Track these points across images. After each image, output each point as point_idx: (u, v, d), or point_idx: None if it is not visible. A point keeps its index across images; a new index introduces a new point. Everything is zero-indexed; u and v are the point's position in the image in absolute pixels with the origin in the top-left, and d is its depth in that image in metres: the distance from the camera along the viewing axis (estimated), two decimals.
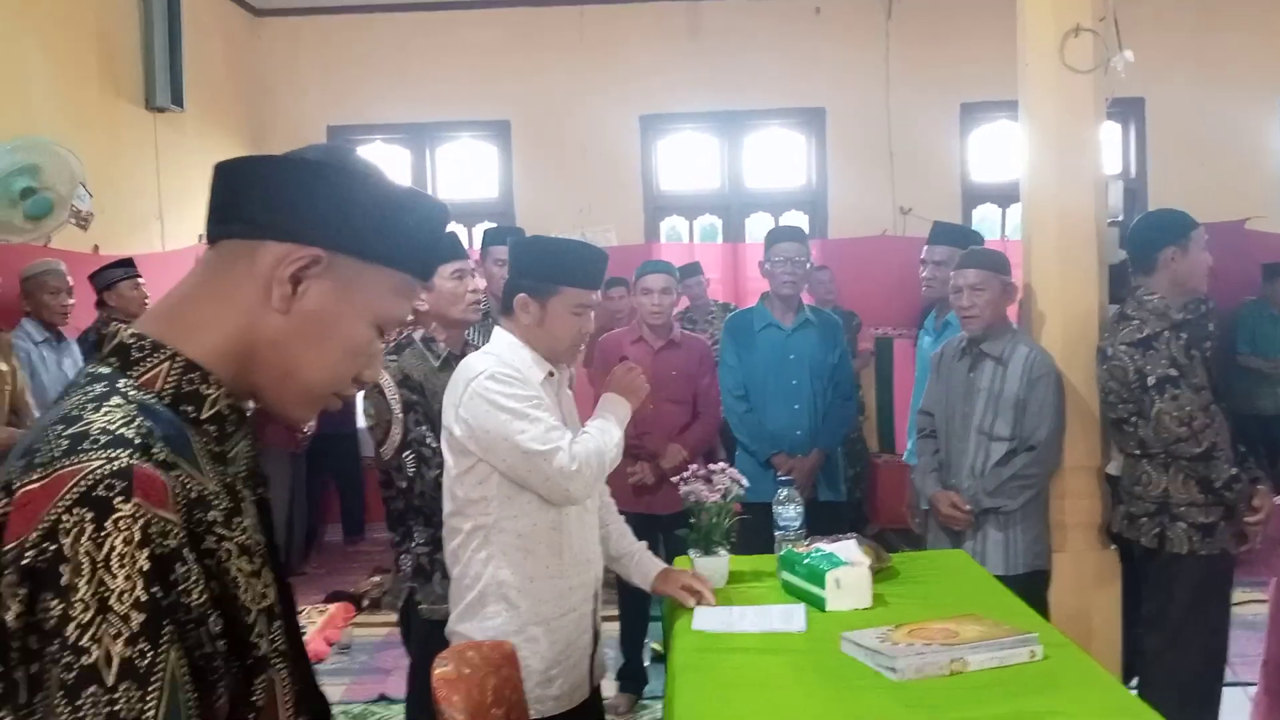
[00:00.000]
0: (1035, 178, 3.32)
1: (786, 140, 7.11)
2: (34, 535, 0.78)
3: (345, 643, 4.61)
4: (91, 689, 0.76)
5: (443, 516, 2.29)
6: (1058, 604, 3.08)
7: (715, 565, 2.53)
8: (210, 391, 0.93)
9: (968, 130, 6.91)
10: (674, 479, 2.70)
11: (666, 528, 3.52)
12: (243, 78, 6.69)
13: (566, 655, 2.23)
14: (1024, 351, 3.07)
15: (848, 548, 2.44)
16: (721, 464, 2.64)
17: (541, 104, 6.79)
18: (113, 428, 0.83)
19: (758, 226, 6.92)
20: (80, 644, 0.76)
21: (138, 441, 0.83)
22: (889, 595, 2.39)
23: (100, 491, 0.79)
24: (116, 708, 0.76)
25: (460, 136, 7.09)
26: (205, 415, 0.93)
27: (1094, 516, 3.20)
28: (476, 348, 2.45)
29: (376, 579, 5.25)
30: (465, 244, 3.58)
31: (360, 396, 2.72)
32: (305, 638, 1.06)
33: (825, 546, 2.45)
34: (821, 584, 2.31)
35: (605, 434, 2.24)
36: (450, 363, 2.59)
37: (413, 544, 2.71)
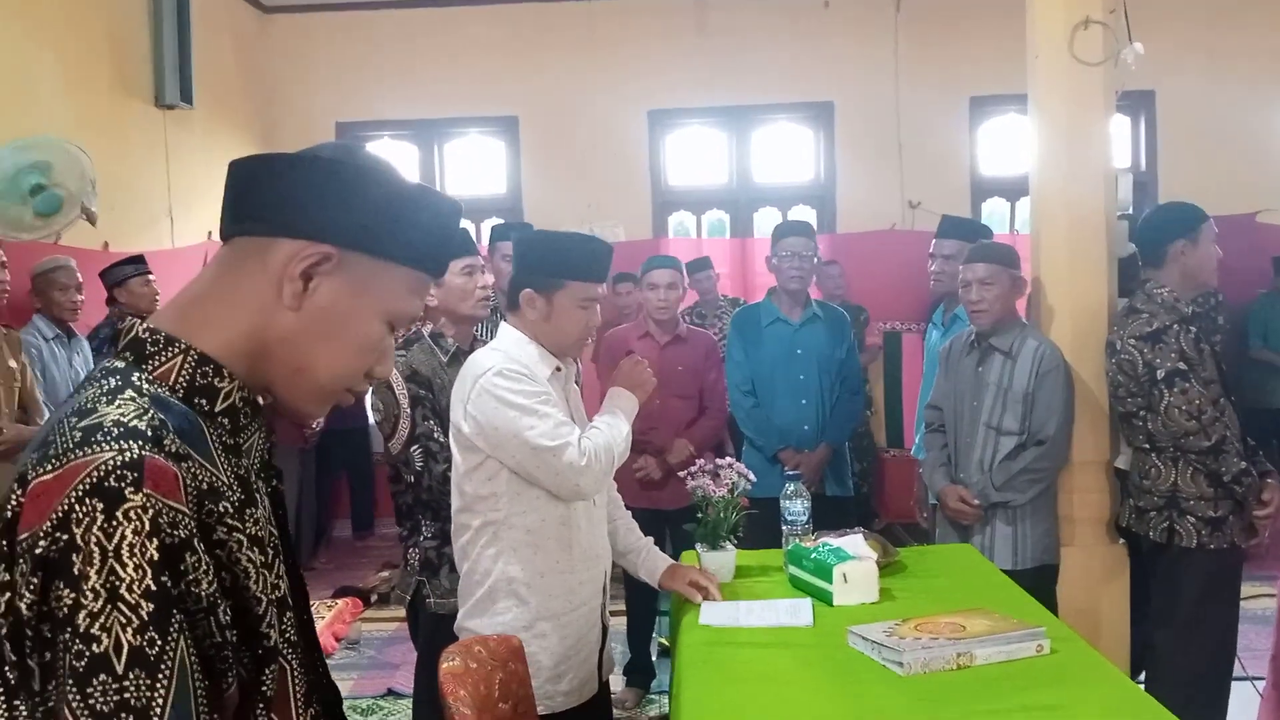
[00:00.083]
0: (1044, 171, 3.31)
1: (795, 135, 7.09)
2: (47, 525, 0.79)
3: (353, 638, 4.63)
4: (102, 676, 0.77)
5: (451, 513, 2.30)
6: (1066, 598, 3.07)
7: (722, 560, 2.53)
8: (224, 385, 0.94)
9: (977, 124, 6.88)
10: (681, 474, 2.71)
11: (673, 523, 3.52)
12: (252, 74, 6.71)
13: (576, 650, 2.23)
14: (1033, 345, 3.06)
15: (855, 542, 2.44)
16: (728, 459, 2.65)
17: (549, 100, 6.79)
18: (125, 420, 0.84)
19: (766, 221, 6.92)
20: (91, 632, 0.78)
21: (149, 433, 0.84)
22: (896, 590, 2.39)
23: (112, 482, 0.80)
24: (126, 695, 0.77)
25: (468, 133, 7.09)
26: (219, 408, 0.94)
27: (1103, 511, 3.19)
28: (485, 343, 2.45)
29: (385, 574, 5.27)
30: (475, 240, 3.58)
31: (369, 391, 2.72)
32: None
33: (832, 541, 2.45)
34: (829, 578, 2.31)
35: (613, 429, 2.24)
36: (459, 358, 2.60)
37: (421, 538, 2.72)
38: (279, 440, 1.05)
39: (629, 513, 2.53)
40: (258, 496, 0.95)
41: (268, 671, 0.92)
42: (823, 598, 2.32)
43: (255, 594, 0.91)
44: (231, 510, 0.90)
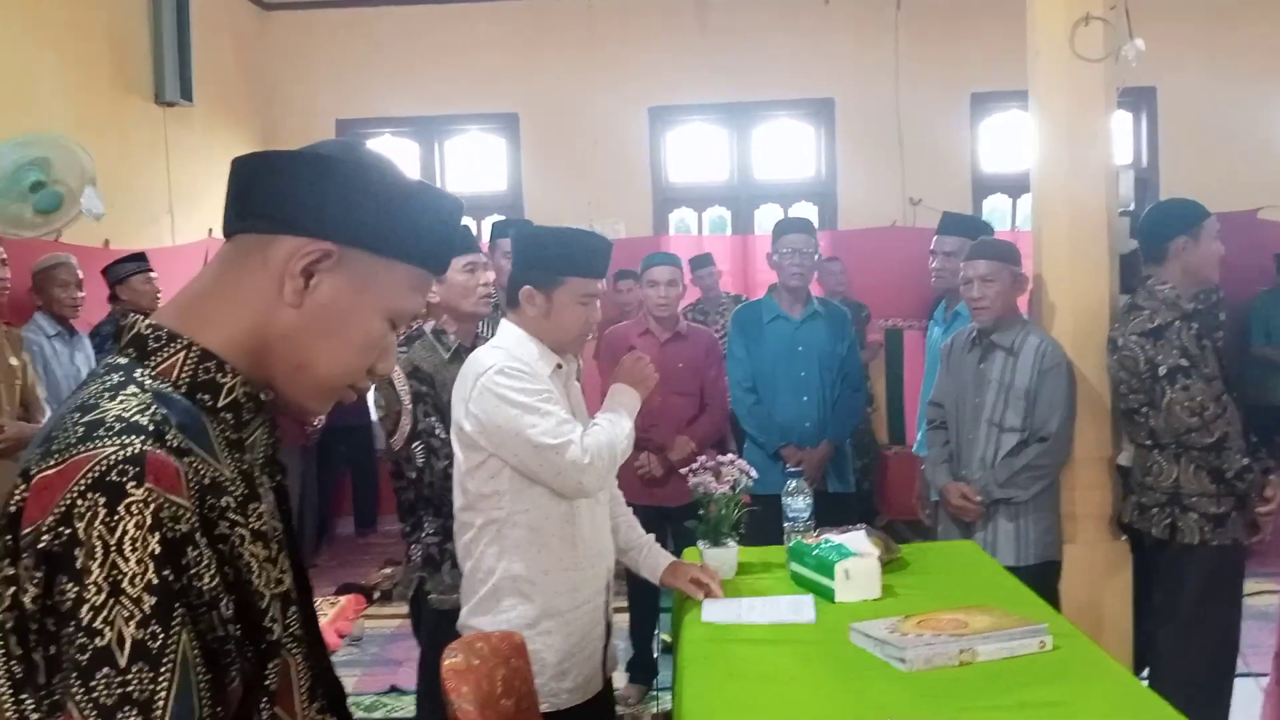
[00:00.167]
0: (1046, 168, 3.30)
1: (795, 131, 7.09)
2: (49, 519, 0.80)
3: (356, 634, 4.63)
4: (105, 670, 0.78)
5: (454, 511, 2.29)
6: (1068, 595, 3.07)
7: (724, 557, 2.53)
8: (226, 380, 0.94)
9: (978, 120, 6.88)
10: (682, 471, 2.71)
11: (675, 520, 3.52)
12: (252, 72, 6.71)
13: (581, 647, 2.23)
14: (1034, 342, 3.06)
15: (857, 539, 2.44)
16: (730, 455, 2.64)
17: (550, 97, 6.79)
18: (128, 415, 0.84)
19: (767, 218, 6.91)
20: (94, 626, 0.78)
21: (151, 428, 0.84)
22: (898, 586, 2.39)
23: (113, 477, 0.80)
24: (129, 688, 0.78)
25: (469, 130, 7.09)
26: (222, 403, 0.94)
27: (1105, 507, 3.19)
28: (487, 340, 2.45)
29: (387, 571, 5.27)
30: (477, 238, 3.58)
31: (372, 388, 2.72)
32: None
33: (834, 538, 2.45)
34: (830, 575, 2.31)
35: (616, 426, 2.23)
36: (460, 354, 2.60)
37: (423, 534, 2.72)
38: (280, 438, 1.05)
39: (630, 509, 2.53)
40: (261, 491, 0.95)
41: (271, 665, 0.92)
42: (825, 594, 2.32)
43: (258, 588, 0.91)
44: (234, 505, 0.90)
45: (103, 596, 0.78)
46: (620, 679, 3.78)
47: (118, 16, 5.23)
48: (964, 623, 1.98)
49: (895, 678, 1.86)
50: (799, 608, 2.26)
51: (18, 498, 0.83)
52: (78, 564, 0.79)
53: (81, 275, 4.09)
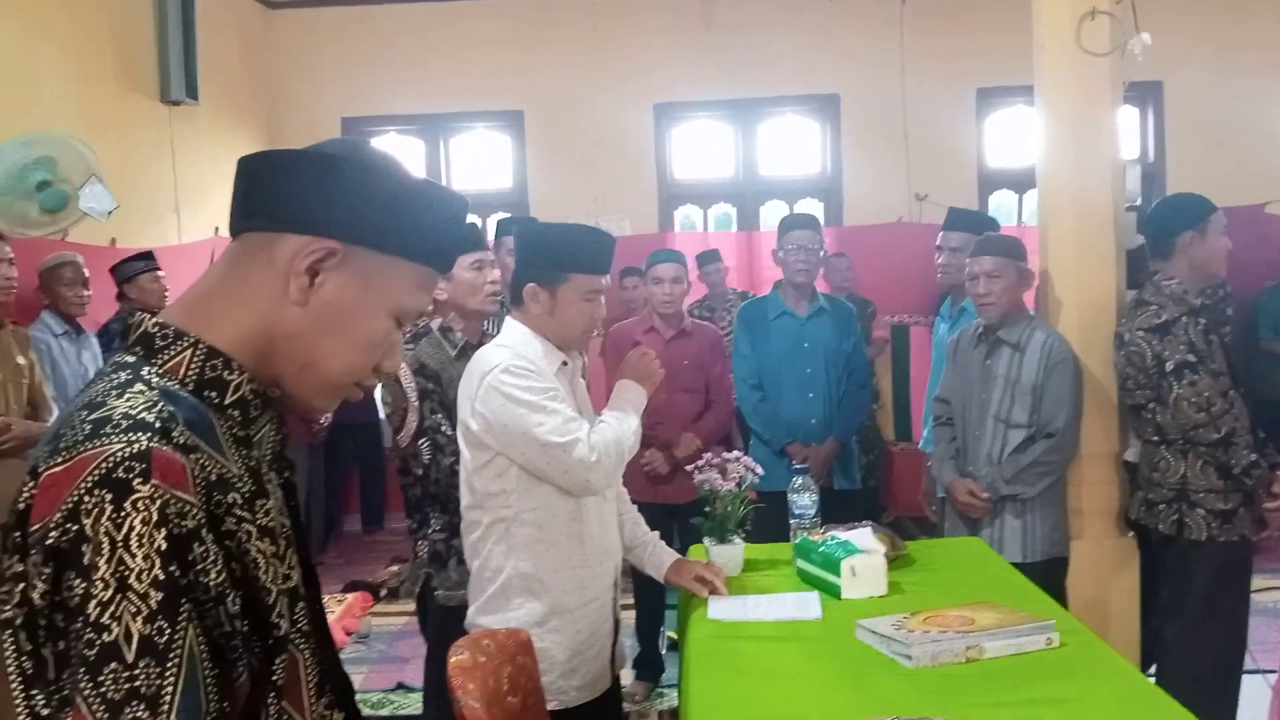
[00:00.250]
0: (1052, 163, 3.29)
1: (801, 127, 7.08)
2: (57, 516, 0.80)
3: (363, 632, 4.65)
4: (112, 665, 0.78)
5: (461, 509, 2.29)
6: (1075, 591, 3.07)
7: (730, 553, 2.53)
8: (233, 377, 0.95)
9: (984, 116, 6.86)
10: (688, 468, 2.70)
11: (681, 517, 3.53)
12: (257, 70, 6.72)
13: (589, 645, 2.23)
14: (1041, 338, 3.05)
15: (863, 535, 2.44)
16: (736, 452, 2.64)
17: (555, 94, 6.78)
18: (134, 413, 0.85)
19: (772, 214, 6.90)
20: (101, 621, 0.79)
21: (158, 425, 0.85)
22: (905, 583, 2.39)
23: (120, 473, 0.81)
24: (136, 684, 0.78)
25: (474, 127, 7.09)
26: (229, 400, 0.95)
27: (1112, 503, 3.18)
28: (493, 337, 2.45)
29: (394, 568, 5.28)
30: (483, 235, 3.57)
31: (379, 385, 2.73)
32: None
33: (840, 534, 2.45)
34: (837, 572, 2.31)
35: (622, 423, 2.23)
36: (467, 352, 2.60)
37: (429, 530, 2.73)
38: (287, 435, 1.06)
39: (635, 507, 2.53)
40: (269, 488, 0.96)
41: (278, 661, 0.93)
42: (831, 591, 2.32)
43: (265, 584, 0.91)
44: (241, 501, 0.90)
45: (110, 592, 0.79)
46: (627, 676, 3.78)
47: (122, 15, 5.24)
48: (970, 619, 1.97)
49: (901, 674, 1.86)
50: (805, 605, 2.26)
51: (26, 495, 0.84)
52: (85, 560, 0.79)
53: (88, 274, 4.10)
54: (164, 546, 0.81)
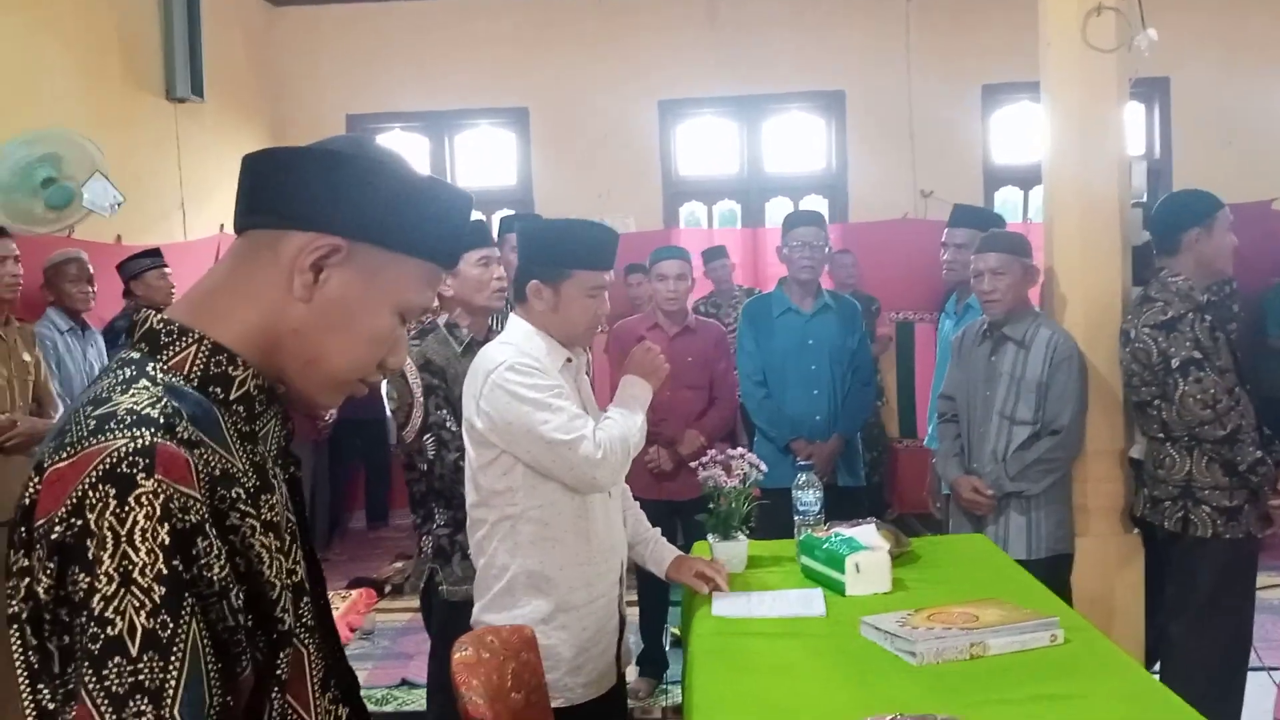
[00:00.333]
0: (1057, 159, 3.28)
1: (806, 124, 7.07)
2: (62, 511, 0.81)
3: (368, 628, 4.65)
4: (116, 659, 0.79)
5: (466, 507, 2.29)
6: (1080, 588, 3.06)
7: (734, 550, 2.53)
8: (238, 373, 0.95)
9: (989, 112, 6.85)
10: (692, 465, 2.70)
11: (685, 514, 3.53)
12: (262, 68, 6.72)
13: (595, 642, 2.23)
14: (1046, 334, 3.04)
15: (867, 532, 2.44)
16: (740, 449, 2.64)
17: (560, 91, 6.78)
18: (139, 408, 0.85)
19: (777, 211, 6.89)
20: (105, 615, 0.79)
21: (162, 421, 0.85)
22: (909, 580, 2.39)
23: (124, 468, 0.81)
24: (140, 677, 0.79)
25: (479, 124, 7.09)
26: (233, 396, 0.95)
27: (1117, 500, 3.18)
28: (499, 334, 2.45)
29: (399, 565, 5.29)
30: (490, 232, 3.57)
31: (384, 381, 2.74)
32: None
33: (844, 531, 2.44)
34: (841, 569, 2.31)
35: (628, 419, 2.22)
36: (472, 348, 2.60)
37: (434, 525, 2.74)
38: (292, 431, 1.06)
39: (637, 503, 2.53)
40: (274, 483, 0.96)
41: (282, 655, 0.93)
42: (835, 588, 2.32)
43: (269, 579, 0.92)
44: (245, 496, 0.90)
45: (114, 586, 0.79)
46: (630, 672, 3.79)
47: (128, 13, 5.25)
48: (975, 616, 1.97)
49: (905, 671, 1.85)
50: (809, 601, 2.26)
51: (31, 490, 0.84)
52: (89, 554, 0.80)
53: (93, 270, 4.10)
54: (167, 541, 0.81)
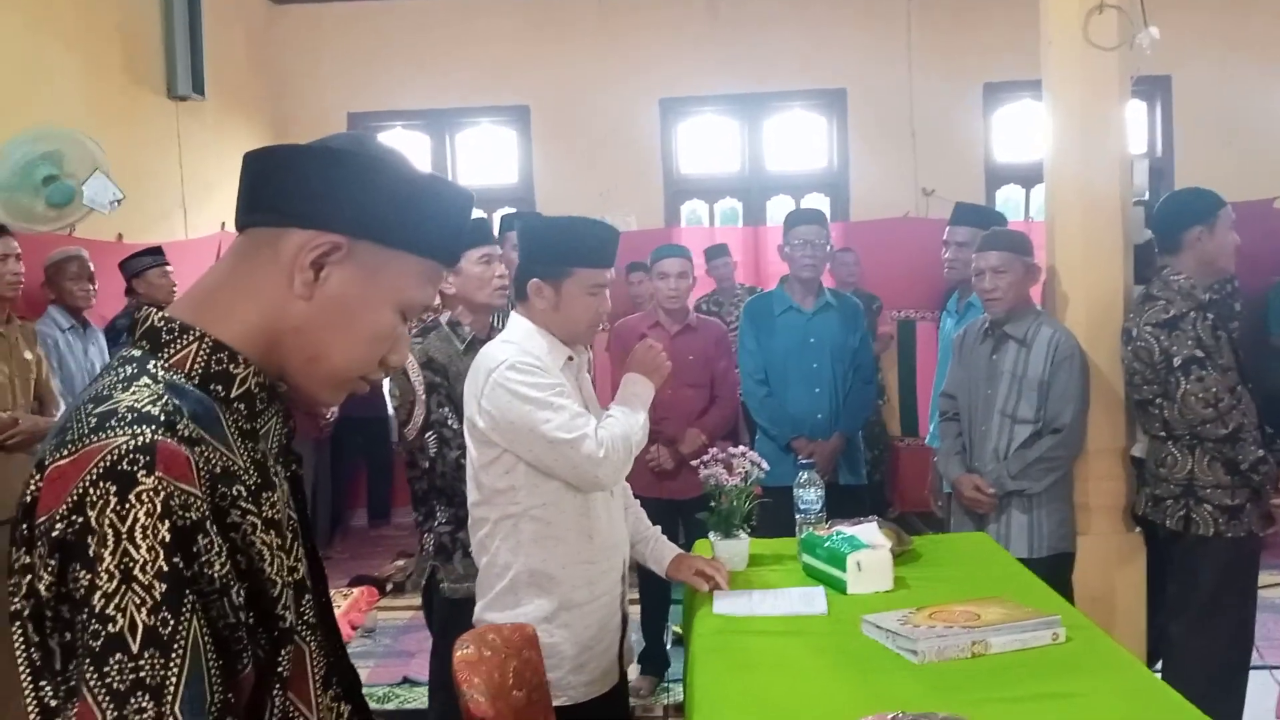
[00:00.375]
0: (1059, 158, 3.28)
1: (807, 122, 7.06)
2: (63, 508, 0.81)
3: (369, 626, 4.66)
4: (118, 656, 0.79)
5: (468, 506, 2.29)
6: (1081, 587, 3.06)
7: (735, 548, 2.53)
8: (239, 371, 0.95)
9: (991, 110, 6.84)
10: (693, 463, 2.70)
11: (686, 512, 3.52)
12: (263, 65, 6.72)
13: (598, 640, 2.23)
14: (1048, 333, 3.04)
15: (869, 531, 2.44)
16: (741, 448, 2.64)
17: (561, 89, 6.78)
18: (139, 406, 0.86)
19: (779, 209, 6.89)
20: (106, 612, 0.79)
21: (162, 418, 0.85)
22: (910, 578, 2.38)
23: (124, 466, 0.81)
24: (141, 674, 0.79)
25: (480, 122, 7.09)
26: (235, 394, 0.95)
27: (1118, 499, 3.17)
28: (501, 331, 2.45)
29: (400, 563, 5.29)
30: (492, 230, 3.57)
31: (386, 379, 2.74)
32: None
33: (846, 529, 2.44)
34: (842, 567, 2.30)
35: (630, 417, 2.22)
36: (475, 346, 2.59)
37: (435, 523, 2.74)
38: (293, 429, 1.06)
39: (637, 501, 2.52)
40: (275, 480, 0.96)
41: (284, 652, 0.93)
42: (836, 586, 2.32)
43: (270, 576, 0.92)
44: (246, 493, 0.91)
45: (115, 583, 0.79)
46: (632, 670, 3.79)
47: (129, 11, 5.25)
48: (976, 615, 1.97)
49: (907, 669, 1.85)
50: (810, 600, 2.26)
51: (33, 488, 0.84)
52: (90, 551, 0.80)
53: (93, 269, 4.10)
54: (168, 538, 0.81)
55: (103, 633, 0.79)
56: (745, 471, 2.54)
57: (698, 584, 2.36)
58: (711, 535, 2.57)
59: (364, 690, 1.10)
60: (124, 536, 0.80)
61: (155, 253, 4.50)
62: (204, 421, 0.89)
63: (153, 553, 0.80)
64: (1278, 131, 6.48)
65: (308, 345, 0.98)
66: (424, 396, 2.67)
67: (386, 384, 2.83)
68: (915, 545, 2.64)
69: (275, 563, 0.92)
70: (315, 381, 1.01)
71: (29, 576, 0.83)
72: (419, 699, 3.76)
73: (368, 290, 0.99)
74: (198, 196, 5.68)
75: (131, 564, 0.80)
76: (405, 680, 4.01)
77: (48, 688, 0.83)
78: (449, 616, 2.62)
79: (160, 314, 0.95)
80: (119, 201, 4.15)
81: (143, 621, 0.79)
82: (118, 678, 0.78)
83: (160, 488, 0.82)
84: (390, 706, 3.83)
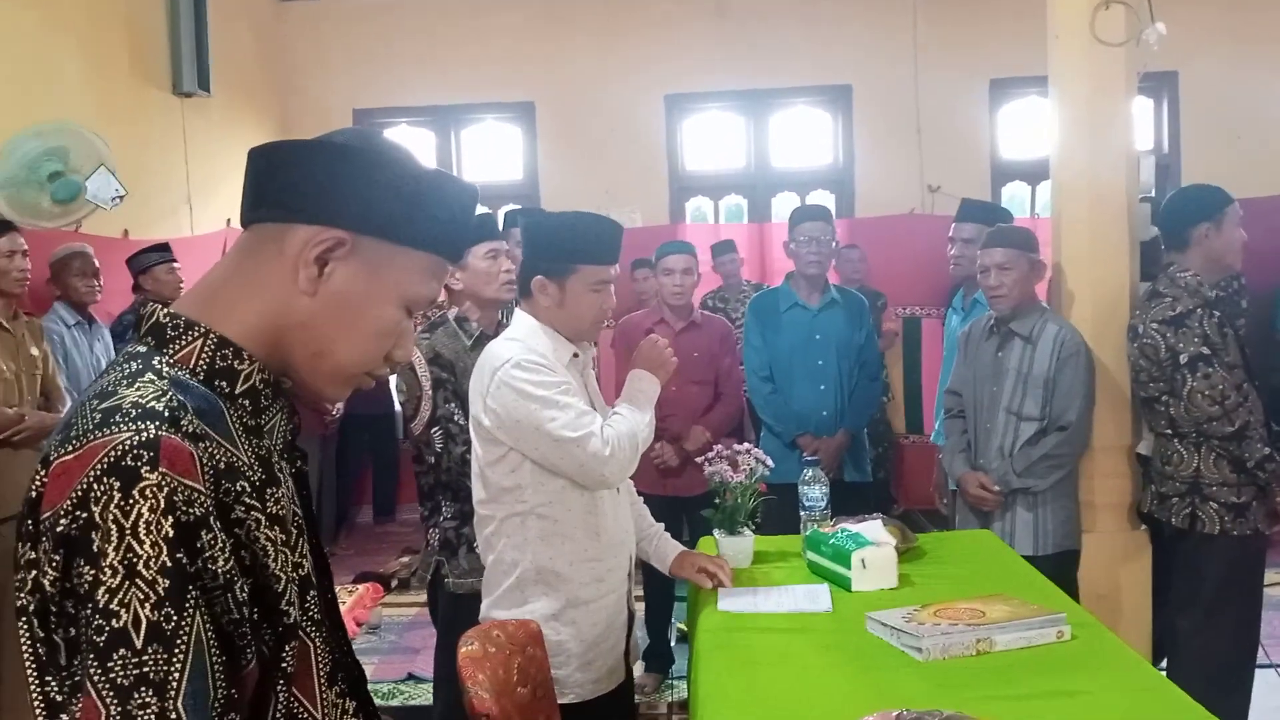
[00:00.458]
0: (1065, 154, 3.27)
1: (813, 118, 7.05)
2: (67, 504, 0.81)
3: (374, 623, 4.66)
4: (121, 651, 0.79)
5: (474, 504, 2.28)
6: (1087, 584, 3.06)
7: (740, 546, 2.53)
8: (243, 367, 0.95)
9: (997, 106, 6.82)
10: (698, 460, 2.70)
11: (691, 509, 3.52)
12: (269, 62, 6.73)
13: (605, 637, 2.22)
14: (1053, 330, 3.03)
15: (874, 528, 2.44)
16: (746, 445, 2.64)
17: (566, 85, 6.78)
18: (144, 402, 0.86)
19: (784, 206, 6.88)
20: (110, 608, 0.79)
21: (166, 414, 0.85)
22: (915, 576, 2.38)
23: (128, 461, 0.82)
24: (145, 669, 0.79)
25: (485, 119, 7.09)
26: (239, 390, 0.95)
27: (1124, 496, 3.17)
28: (507, 327, 2.44)
29: (405, 559, 5.30)
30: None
31: (394, 374, 2.74)
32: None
33: (851, 527, 2.44)
34: (847, 564, 2.30)
35: (636, 415, 2.21)
36: (482, 342, 2.59)
37: (441, 518, 2.74)
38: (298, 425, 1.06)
39: (641, 499, 2.52)
40: (280, 476, 0.96)
41: (288, 648, 0.93)
42: (841, 583, 2.32)
43: (274, 572, 0.92)
44: (250, 489, 0.91)
45: (118, 579, 0.80)
46: (636, 668, 3.79)
47: (135, 7, 5.26)
48: (981, 612, 1.97)
49: (912, 667, 1.85)
50: (815, 597, 2.25)
51: (38, 483, 0.85)
52: (94, 547, 0.80)
53: (98, 265, 4.11)
54: (171, 534, 0.81)
55: (106, 628, 0.79)
56: (750, 468, 2.54)
57: (701, 581, 2.36)
58: (716, 532, 2.57)
59: (369, 686, 1.11)
60: (128, 532, 0.80)
61: (162, 249, 4.51)
62: (208, 417, 0.89)
63: (156, 548, 0.81)
64: None
65: (312, 341, 0.98)
66: (430, 392, 2.68)
67: (393, 379, 2.83)
68: (920, 542, 2.63)
69: (279, 559, 0.92)
70: (320, 377, 1.01)
71: (34, 572, 0.83)
72: (424, 695, 3.77)
73: (372, 286, 0.99)
74: (203, 193, 5.68)
75: (135, 559, 0.80)
76: (410, 676, 4.01)
77: (53, 682, 0.83)
78: (454, 611, 2.62)
79: (165, 310, 0.95)
80: (121, 198, 4.16)
81: (146, 617, 0.79)
82: (121, 673, 0.79)
83: (164, 483, 0.82)
84: (395, 703, 3.84)
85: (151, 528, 0.81)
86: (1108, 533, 3.14)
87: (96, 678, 0.79)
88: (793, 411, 3.73)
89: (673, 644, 4.04)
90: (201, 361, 0.94)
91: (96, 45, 4.92)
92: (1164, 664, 2.95)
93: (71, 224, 4.17)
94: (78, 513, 0.81)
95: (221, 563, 0.85)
